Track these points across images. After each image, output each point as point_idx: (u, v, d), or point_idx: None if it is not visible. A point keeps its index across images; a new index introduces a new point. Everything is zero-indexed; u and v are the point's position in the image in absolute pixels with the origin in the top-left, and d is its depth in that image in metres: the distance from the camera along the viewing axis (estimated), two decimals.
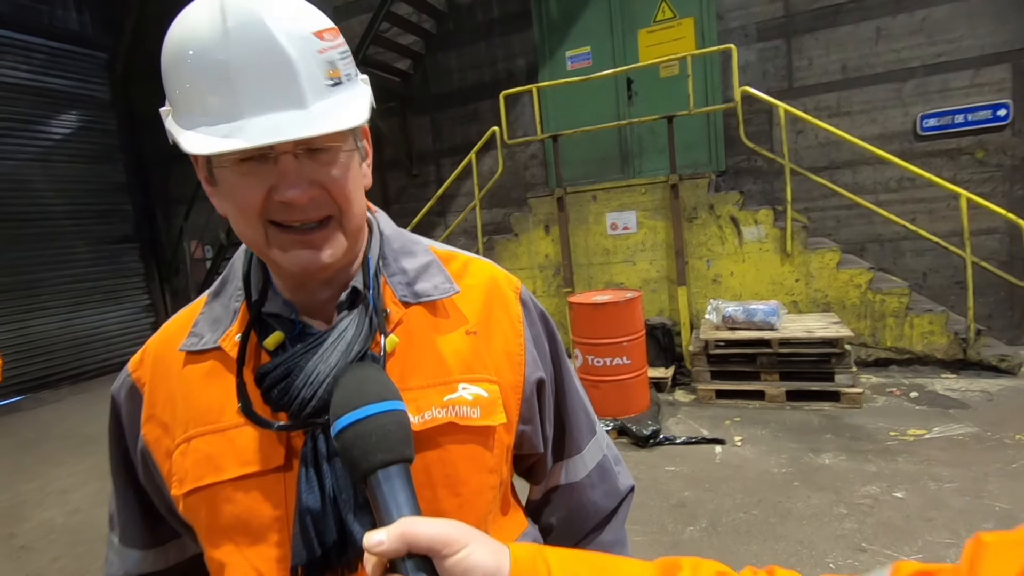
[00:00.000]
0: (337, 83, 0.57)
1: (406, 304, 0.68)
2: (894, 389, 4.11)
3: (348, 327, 0.61)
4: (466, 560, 0.42)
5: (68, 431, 5.25)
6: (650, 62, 5.13)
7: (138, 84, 8.27)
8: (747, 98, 4.70)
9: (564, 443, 0.80)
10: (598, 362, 3.94)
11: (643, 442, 3.63)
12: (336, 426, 0.48)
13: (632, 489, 0.87)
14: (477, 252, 6.15)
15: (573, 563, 0.46)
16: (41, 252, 7.14)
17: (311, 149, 0.57)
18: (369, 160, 0.68)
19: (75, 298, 7.50)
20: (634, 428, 3.69)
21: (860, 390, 3.91)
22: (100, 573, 2.71)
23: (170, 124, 0.57)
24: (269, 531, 0.60)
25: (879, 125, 5.00)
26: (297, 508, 0.58)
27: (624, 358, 3.91)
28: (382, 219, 0.74)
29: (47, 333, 7.09)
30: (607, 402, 3.89)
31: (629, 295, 4.01)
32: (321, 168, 0.58)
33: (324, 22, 0.57)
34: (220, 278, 0.71)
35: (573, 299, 4.15)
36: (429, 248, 0.74)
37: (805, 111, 4.77)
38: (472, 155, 5.52)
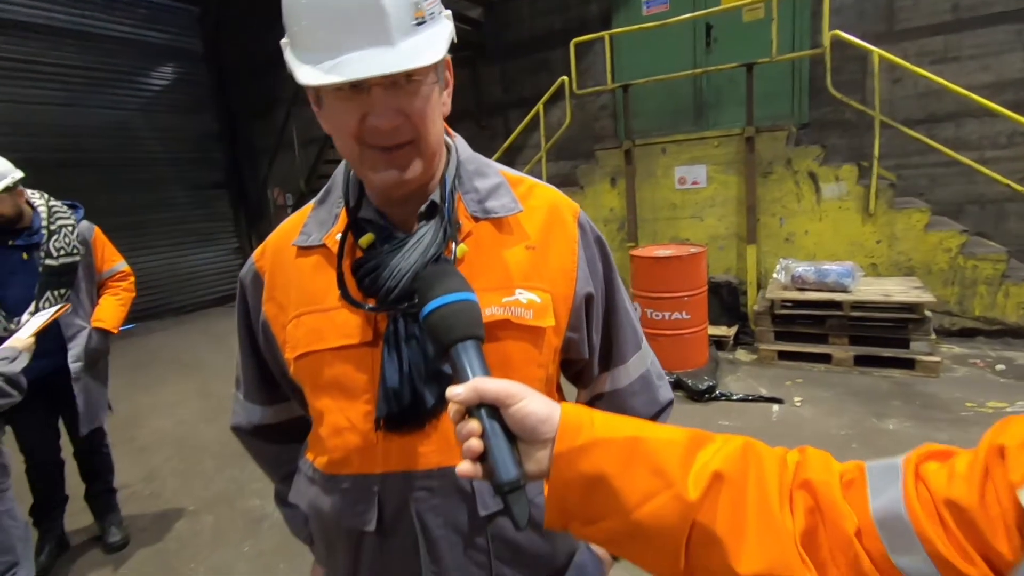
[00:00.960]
0: (422, 22, 0.65)
1: (476, 219, 0.78)
2: (978, 360, 3.86)
3: (426, 234, 0.73)
4: (524, 408, 0.53)
5: (172, 357, 5.91)
6: (732, 5, 4.82)
7: (227, 38, 8.70)
8: (838, 43, 4.35)
9: (611, 354, 0.89)
10: (657, 315, 3.95)
11: (698, 396, 3.65)
12: (426, 308, 0.60)
13: (671, 403, 0.94)
14: None
15: (614, 419, 0.56)
16: (146, 195, 7.85)
17: (404, 79, 0.65)
18: (450, 89, 0.76)
19: (176, 239, 8.24)
20: (690, 382, 3.71)
21: (938, 359, 3.71)
22: (203, 473, 3.13)
23: (288, 56, 0.67)
24: (359, 391, 0.74)
25: (992, 72, 4.51)
26: (381, 375, 0.72)
27: (684, 313, 3.90)
28: (460, 143, 0.84)
29: (154, 269, 7.87)
30: (664, 355, 3.87)
31: (692, 250, 3.95)
32: (406, 98, 0.66)
33: None
34: (325, 188, 0.84)
35: (635, 252, 4.14)
36: (500, 172, 0.84)
37: (905, 57, 4.37)
38: (540, 106, 5.48)
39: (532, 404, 0.53)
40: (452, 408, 0.54)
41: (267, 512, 2.84)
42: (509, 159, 6.59)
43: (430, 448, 0.73)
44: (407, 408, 0.71)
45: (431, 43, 0.65)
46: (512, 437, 0.53)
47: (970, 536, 0.41)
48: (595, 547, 0.94)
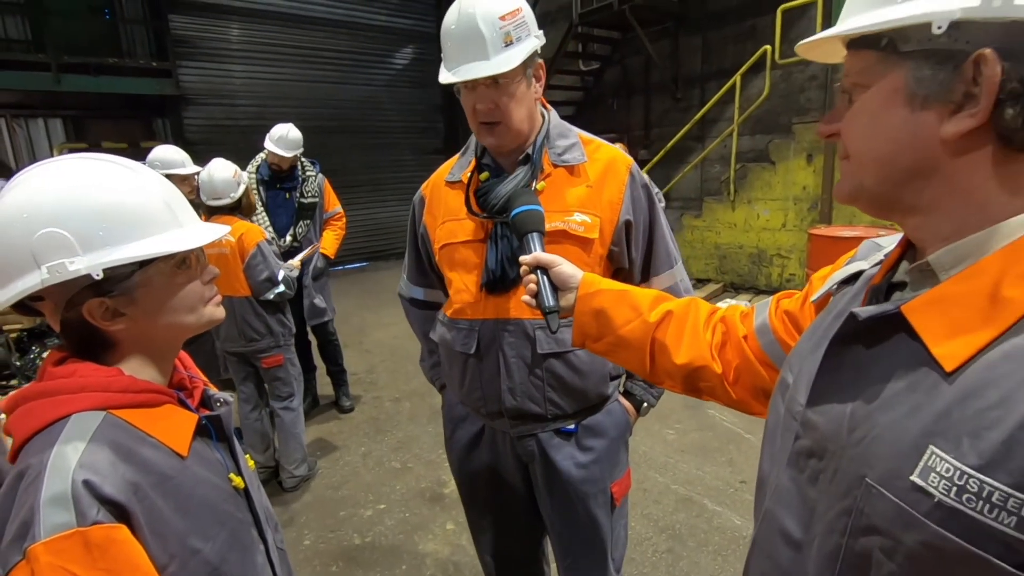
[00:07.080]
0: (509, 44, 1.06)
1: (555, 166, 1.19)
2: None
3: (519, 174, 1.16)
4: (562, 269, 0.92)
5: (393, 289, 7.25)
6: None
7: None
8: None
9: (648, 268, 1.25)
10: None
11: None
12: (513, 212, 1.02)
13: None
14: (728, 179, 6.01)
15: (613, 282, 0.92)
16: (384, 157, 9.50)
17: (494, 82, 1.08)
18: (542, 84, 1.18)
19: (403, 196, 9.81)
20: None
21: None
22: (406, 373, 4.13)
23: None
24: (473, 267, 1.21)
25: None
26: (486, 259, 1.17)
27: None
28: (553, 114, 1.25)
29: (385, 219, 9.58)
30: None
31: (881, 232, 3.68)
32: (497, 93, 1.09)
33: (510, 7, 1.05)
34: (464, 146, 1.31)
35: (814, 231, 3.99)
36: (578, 135, 1.24)
37: None
38: (737, 77, 5.37)
39: (566, 267, 0.93)
40: (523, 268, 0.95)
41: None
42: (702, 131, 6.53)
43: (510, 305, 1.18)
44: (499, 279, 1.15)
45: (511, 58, 1.06)
46: (555, 287, 0.92)
47: (792, 324, 0.74)
48: (623, 400, 1.30)
